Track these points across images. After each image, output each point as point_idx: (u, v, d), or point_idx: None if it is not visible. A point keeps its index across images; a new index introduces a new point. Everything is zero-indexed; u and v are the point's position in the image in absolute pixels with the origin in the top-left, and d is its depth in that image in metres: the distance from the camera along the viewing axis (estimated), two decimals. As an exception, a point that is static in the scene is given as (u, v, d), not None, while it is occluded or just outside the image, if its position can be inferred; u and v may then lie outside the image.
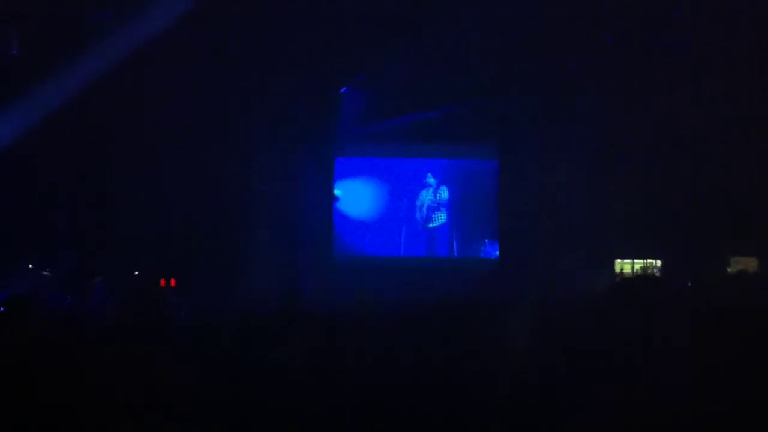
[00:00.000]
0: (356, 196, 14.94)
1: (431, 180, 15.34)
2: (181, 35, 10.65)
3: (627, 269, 13.88)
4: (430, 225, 15.43)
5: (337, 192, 14.83)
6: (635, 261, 13.98)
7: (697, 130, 12.89)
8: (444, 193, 15.51)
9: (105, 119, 12.36)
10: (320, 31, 11.84)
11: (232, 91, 12.68)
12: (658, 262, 13.98)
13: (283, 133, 13.78)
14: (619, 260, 13.89)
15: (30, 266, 12.81)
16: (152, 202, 13.03)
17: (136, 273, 12.94)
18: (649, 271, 13.92)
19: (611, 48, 12.09)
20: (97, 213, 12.85)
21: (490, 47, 11.88)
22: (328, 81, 13.29)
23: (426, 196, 15.49)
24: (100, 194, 12.91)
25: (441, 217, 15.53)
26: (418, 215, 15.51)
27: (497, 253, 14.63)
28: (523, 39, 11.85)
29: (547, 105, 13.28)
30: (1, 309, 5.08)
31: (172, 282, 12.65)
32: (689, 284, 9.68)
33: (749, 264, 12.84)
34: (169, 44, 10.63)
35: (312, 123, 13.83)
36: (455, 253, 15.26)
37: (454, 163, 15.29)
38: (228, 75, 12.37)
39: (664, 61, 12.20)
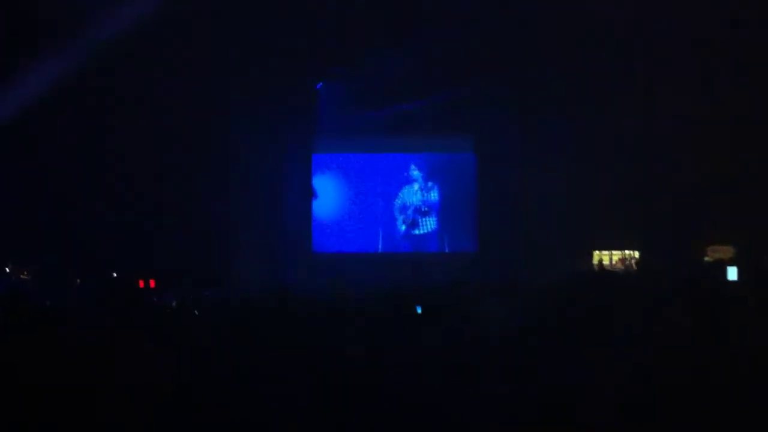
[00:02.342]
0: (334, 193, 14.75)
1: (416, 173, 14.64)
2: (159, 32, 10.59)
3: (605, 260, 13.95)
4: (417, 231, 14.61)
5: (315, 188, 14.67)
6: (613, 252, 14.06)
7: (673, 122, 12.97)
8: (433, 193, 14.62)
9: (84, 119, 12.29)
10: (296, 27, 11.82)
11: (208, 88, 12.62)
12: (636, 253, 14.06)
13: (261, 129, 13.73)
14: (597, 251, 13.96)
15: (7, 269, 12.71)
16: (131, 201, 12.96)
17: (114, 275, 12.86)
18: (627, 261, 14.00)
19: (589, 41, 12.15)
20: (75, 214, 12.76)
21: (467, 39, 11.90)
22: (305, 76, 13.27)
23: (411, 195, 14.64)
24: (78, 195, 12.82)
25: (430, 223, 14.60)
26: (400, 218, 14.60)
27: (476, 246, 14.49)
28: (501, 32, 11.89)
29: (526, 97, 13.30)
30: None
31: (151, 283, 12.58)
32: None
33: (726, 252, 12.94)
34: (146, 41, 10.57)
35: (289, 119, 13.79)
36: (442, 249, 14.55)
37: (436, 156, 14.65)
38: (204, 72, 12.31)
39: (641, 55, 12.29)
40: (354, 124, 13.75)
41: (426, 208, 14.55)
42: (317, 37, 11.97)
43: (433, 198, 14.59)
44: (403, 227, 14.66)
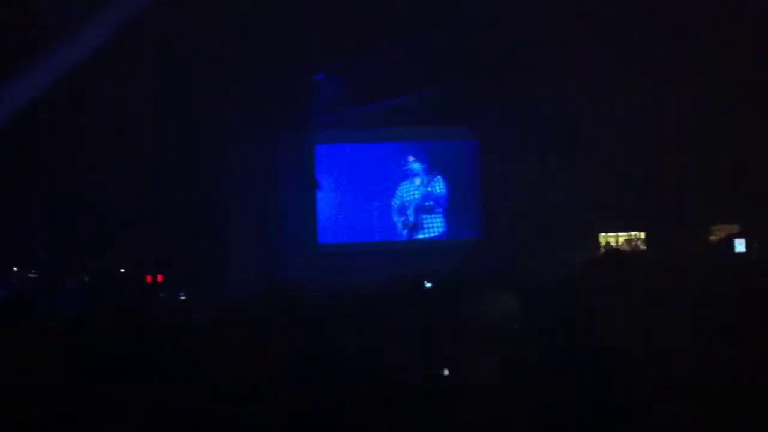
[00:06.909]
0: (337, 183, 14.61)
1: (415, 165, 14.05)
2: (153, 23, 10.52)
3: (612, 242, 13.90)
4: (421, 235, 13.81)
5: (318, 179, 14.52)
6: (619, 234, 14.00)
7: (676, 103, 12.93)
8: (439, 186, 13.78)
9: (77, 114, 12.22)
10: (295, 17, 11.77)
11: (206, 80, 12.55)
12: (642, 234, 14.01)
13: (261, 121, 13.66)
14: (603, 234, 13.91)
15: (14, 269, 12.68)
16: (128, 197, 12.87)
17: (122, 270, 12.81)
18: (634, 242, 13.97)
19: (591, 29, 12.12)
20: (71, 211, 12.71)
21: (467, 29, 11.86)
22: (305, 67, 13.22)
23: (411, 192, 13.90)
24: (74, 192, 12.75)
25: (436, 224, 13.75)
26: (399, 221, 13.84)
27: (480, 231, 14.09)
28: (501, 20, 11.85)
29: (527, 83, 13.24)
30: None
31: (159, 277, 12.57)
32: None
33: (731, 231, 12.88)
34: (139, 33, 10.50)
35: (290, 111, 13.72)
36: (450, 237, 13.93)
37: (436, 144, 14.21)
38: (202, 64, 12.25)
39: (644, 43, 12.29)
40: (356, 116, 13.64)
41: (430, 204, 13.81)
42: (317, 27, 11.91)
43: (438, 191, 13.93)
44: (405, 232, 13.87)
